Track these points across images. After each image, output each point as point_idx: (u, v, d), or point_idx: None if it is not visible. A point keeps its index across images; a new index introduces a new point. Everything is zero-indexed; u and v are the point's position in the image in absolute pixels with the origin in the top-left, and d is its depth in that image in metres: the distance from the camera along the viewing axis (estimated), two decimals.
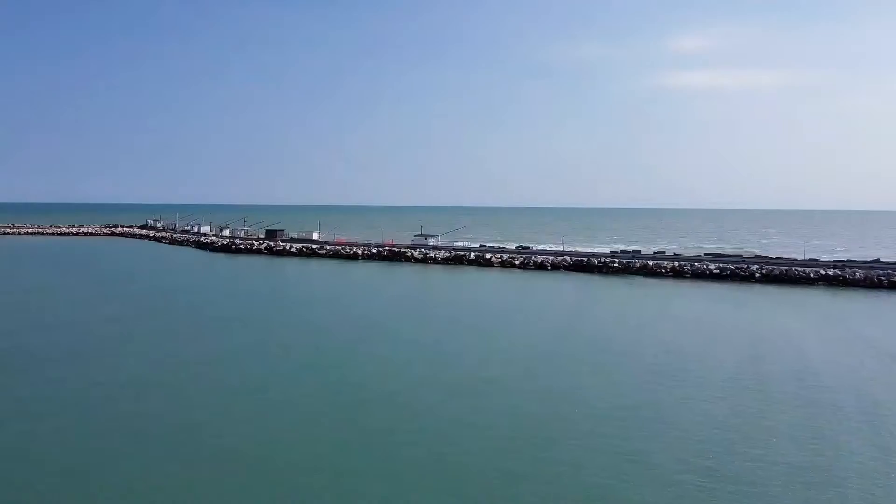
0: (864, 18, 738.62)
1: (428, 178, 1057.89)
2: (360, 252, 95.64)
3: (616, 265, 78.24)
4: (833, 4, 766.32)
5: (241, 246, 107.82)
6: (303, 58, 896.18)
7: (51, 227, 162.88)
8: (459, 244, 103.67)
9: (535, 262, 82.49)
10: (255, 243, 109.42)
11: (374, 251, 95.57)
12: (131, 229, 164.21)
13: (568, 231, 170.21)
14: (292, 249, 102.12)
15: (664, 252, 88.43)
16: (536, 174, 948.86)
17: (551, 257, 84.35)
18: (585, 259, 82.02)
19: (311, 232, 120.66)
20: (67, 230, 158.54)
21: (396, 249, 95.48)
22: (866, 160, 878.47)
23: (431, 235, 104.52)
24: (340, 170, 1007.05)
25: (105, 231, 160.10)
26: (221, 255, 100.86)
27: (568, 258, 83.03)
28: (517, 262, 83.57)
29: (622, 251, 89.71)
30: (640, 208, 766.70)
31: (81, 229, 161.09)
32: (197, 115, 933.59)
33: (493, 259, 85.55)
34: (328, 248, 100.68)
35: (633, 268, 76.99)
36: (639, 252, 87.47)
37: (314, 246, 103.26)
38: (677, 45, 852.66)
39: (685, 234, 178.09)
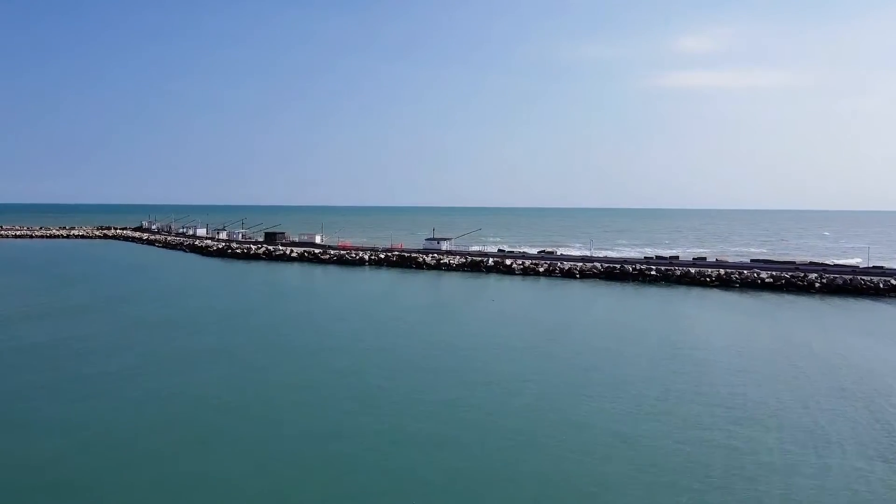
0: (865, 18, 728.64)
1: (430, 179, 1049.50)
2: (366, 257, 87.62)
3: (654, 273, 70.12)
4: (834, 5, 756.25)
5: (238, 250, 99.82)
6: (299, 54, 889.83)
7: (40, 228, 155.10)
8: (474, 248, 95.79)
9: (561, 270, 74.48)
10: (253, 247, 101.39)
11: (383, 256, 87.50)
12: (125, 231, 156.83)
13: (579, 234, 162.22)
14: (293, 254, 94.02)
15: (705, 258, 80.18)
16: (539, 175, 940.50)
17: (579, 264, 76.23)
18: (618, 266, 73.82)
19: (314, 235, 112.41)
20: (57, 232, 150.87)
21: (407, 254, 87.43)
22: (866, 160, 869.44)
23: (444, 239, 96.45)
24: (341, 169, 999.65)
25: (97, 233, 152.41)
26: (216, 261, 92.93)
27: (598, 265, 74.87)
28: (541, 269, 75.56)
29: (657, 257, 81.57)
30: (645, 209, 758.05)
31: (72, 231, 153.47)
32: (199, 114, 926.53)
33: (515, 265, 77.48)
34: (332, 252, 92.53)
35: (672, 276, 68.91)
36: (676, 258, 79.31)
37: (317, 250, 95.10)
38: (680, 45, 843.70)
39: (705, 237, 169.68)
